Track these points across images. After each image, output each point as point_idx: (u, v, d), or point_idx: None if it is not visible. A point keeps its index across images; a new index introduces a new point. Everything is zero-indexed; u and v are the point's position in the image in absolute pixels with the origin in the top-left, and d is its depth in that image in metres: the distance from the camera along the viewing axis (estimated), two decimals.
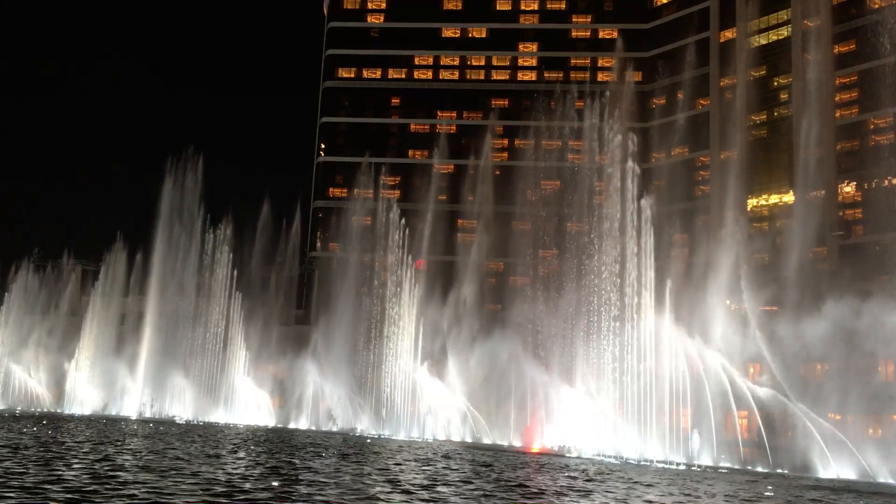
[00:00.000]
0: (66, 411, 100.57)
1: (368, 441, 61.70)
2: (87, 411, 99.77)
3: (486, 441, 73.65)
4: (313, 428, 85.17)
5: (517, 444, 70.55)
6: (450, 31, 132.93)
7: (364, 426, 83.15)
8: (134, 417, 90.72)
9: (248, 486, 24.14)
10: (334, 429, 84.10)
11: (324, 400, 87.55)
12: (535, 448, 67.26)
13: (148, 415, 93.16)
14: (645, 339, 60.67)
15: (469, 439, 74.33)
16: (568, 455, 58.98)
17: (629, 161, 67.04)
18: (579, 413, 66.81)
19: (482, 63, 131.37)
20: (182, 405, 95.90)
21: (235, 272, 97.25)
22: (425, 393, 79.26)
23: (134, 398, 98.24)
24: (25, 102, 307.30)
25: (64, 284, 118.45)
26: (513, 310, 79.54)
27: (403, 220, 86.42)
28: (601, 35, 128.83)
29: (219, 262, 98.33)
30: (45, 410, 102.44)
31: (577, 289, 70.20)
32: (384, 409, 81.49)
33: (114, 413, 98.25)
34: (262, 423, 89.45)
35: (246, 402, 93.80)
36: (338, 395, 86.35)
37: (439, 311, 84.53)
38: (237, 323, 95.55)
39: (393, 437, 73.80)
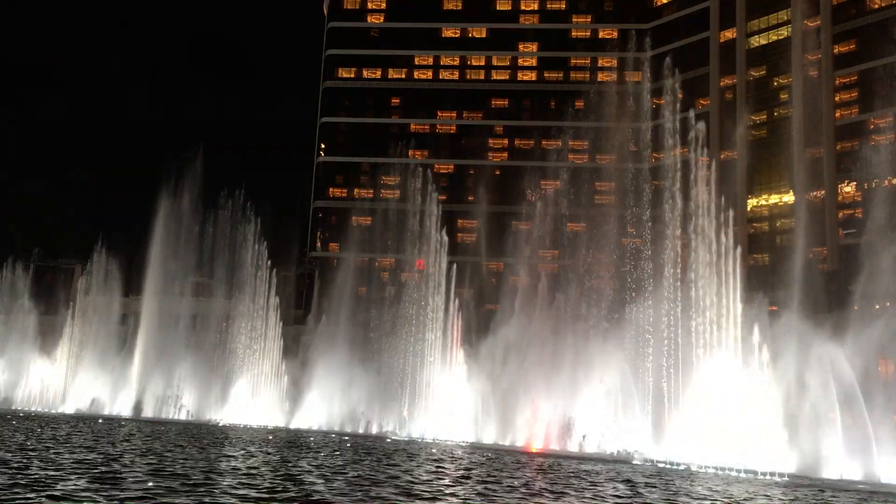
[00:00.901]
0: (57, 410, 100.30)
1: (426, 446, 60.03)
2: (70, 410, 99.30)
3: (488, 441, 73.24)
4: (314, 427, 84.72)
5: (527, 445, 69.20)
6: (450, 31, 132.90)
7: (384, 426, 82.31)
8: (128, 416, 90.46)
9: None
10: (345, 428, 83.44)
11: (347, 400, 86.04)
12: (535, 447, 66.66)
13: (149, 414, 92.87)
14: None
15: (472, 439, 73.99)
16: (635, 462, 53.63)
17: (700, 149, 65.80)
18: (656, 407, 62.21)
19: (482, 63, 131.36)
20: (181, 405, 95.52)
21: (261, 267, 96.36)
22: (453, 391, 77.58)
23: (130, 397, 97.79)
24: (25, 102, 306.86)
25: (65, 284, 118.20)
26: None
27: (442, 217, 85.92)
28: (601, 35, 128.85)
29: (222, 262, 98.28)
30: (43, 410, 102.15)
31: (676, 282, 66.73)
32: (409, 408, 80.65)
33: (114, 413, 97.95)
34: (262, 424, 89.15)
35: (248, 402, 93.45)
36: (363, 395, 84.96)
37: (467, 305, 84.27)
38: (250, 323, 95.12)
39: (392, 438, 73.51)
